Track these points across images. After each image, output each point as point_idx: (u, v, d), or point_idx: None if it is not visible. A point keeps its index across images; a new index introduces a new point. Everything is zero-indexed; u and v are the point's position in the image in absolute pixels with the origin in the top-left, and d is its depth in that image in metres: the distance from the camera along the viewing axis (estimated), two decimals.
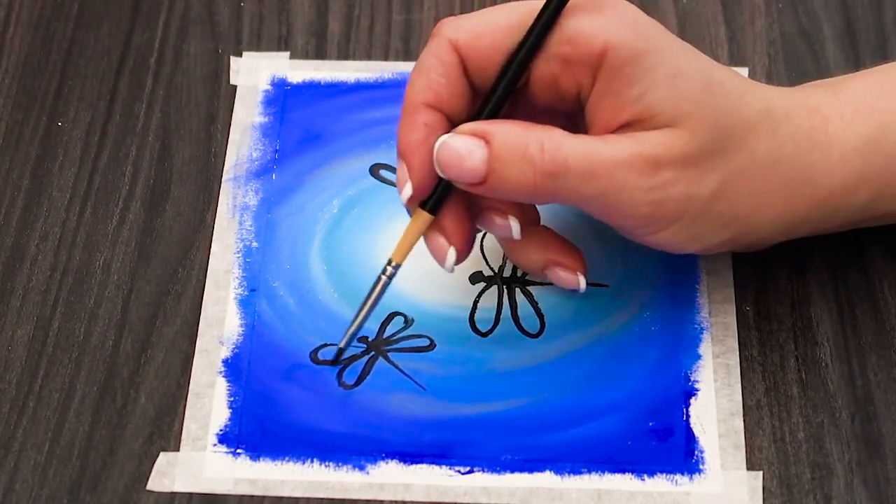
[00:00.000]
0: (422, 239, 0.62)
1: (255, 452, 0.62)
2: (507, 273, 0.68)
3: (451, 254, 0.62)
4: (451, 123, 0.61)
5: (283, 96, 0.74)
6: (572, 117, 0.62)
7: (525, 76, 0.60)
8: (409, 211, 0.62)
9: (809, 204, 0.61)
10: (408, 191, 0.60)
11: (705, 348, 0.65)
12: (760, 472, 0.61)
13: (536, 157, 0.58)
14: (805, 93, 0.63)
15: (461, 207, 0.62)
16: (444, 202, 0.61)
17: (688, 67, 0.59)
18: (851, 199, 0.62)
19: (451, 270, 0.62)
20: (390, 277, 0.62)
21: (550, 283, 0.67)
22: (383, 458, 0.62)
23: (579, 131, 0.60)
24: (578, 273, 0.64)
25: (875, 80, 0.63)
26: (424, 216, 0.61)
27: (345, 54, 0.76)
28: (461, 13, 0.77)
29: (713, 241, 0.62)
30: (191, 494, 0.61)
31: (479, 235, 0.69)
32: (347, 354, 0.65)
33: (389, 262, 0.62)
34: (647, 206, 0.59)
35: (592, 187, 0.58)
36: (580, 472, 0.61)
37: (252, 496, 0.61)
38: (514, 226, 0.62)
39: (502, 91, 0.60)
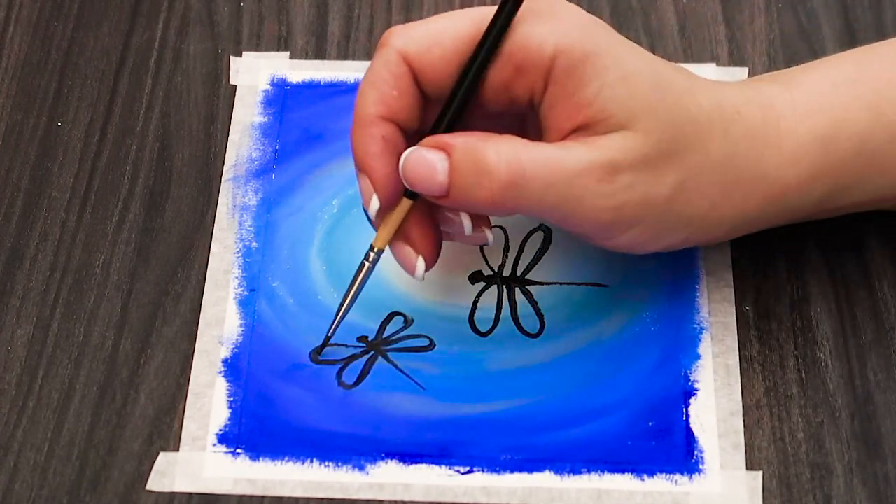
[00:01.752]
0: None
1: (255, 452, 0.62)
2: (506, 273, 0.68)
3: (420, 263, 0.62)
4: (405, 133, 0.61)
5: (282, 96, 0.74)
6: (524, 121, 0.62)
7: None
8: (372, 223, 0.62)
9: (765, 200, 0.61)
10: (375, 204, 0.60)
11: (705, 348, 0.65)
12: (760, 472, 0.61)
13: (494, 167, 0.58)
14: (756, 88, 0.63)
15: (425, 216, 0.62)
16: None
17: (637, 67, 0.59)
18: (806, 194, 0.62)
19: (422, 279, 0.62)
20: (373, 263, 0.63)
21: (551, 283, 0.67)
22: (383, 458, 0.62)
23: (532, 135, 0.60)
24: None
25: (827, 75, 0.63)
26: (405, 202, 0.61)
27: (344, 54, 0.76)
28: None
29: (671, 240, 0.62)
30: (190, 494, 0.61)
31: None
32: (346, 354, 0.65)
33: (371, 249, 0.63)
34: (608, 212, 0.59)
35: (552, 196, 0.58)
36: (580, 472, 0.61)
37: (252, 496, 0.61)
38: (466, 223, 0.62)
39: (459, 101, 0.60)
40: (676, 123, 0.59)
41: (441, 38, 0.60)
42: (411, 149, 0.60)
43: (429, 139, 0.60)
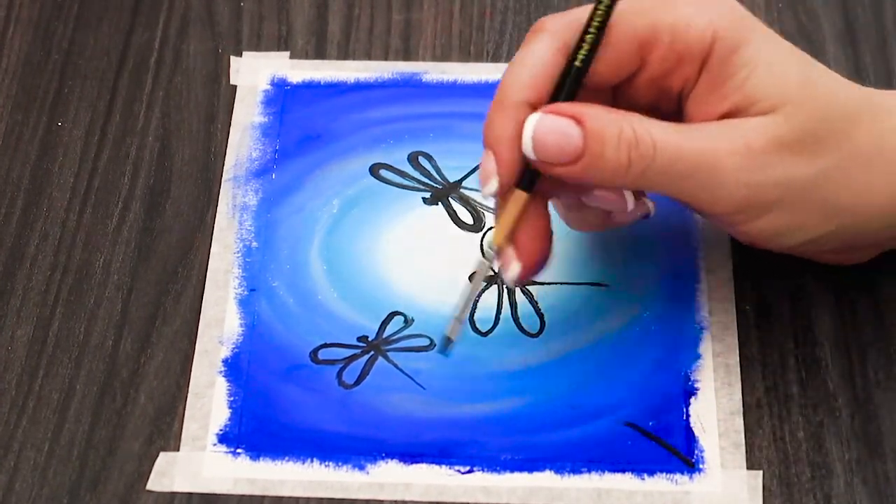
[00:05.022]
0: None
1: (255, 452, 0.62)
2: None
3: (514, 269, 0.60)
4: None
5: (282, 96, 0.74)
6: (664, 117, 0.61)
7: (631, 75, 0.60)
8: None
9: None
10: (493, 184, 0.59)
11: (705, 347, 0.65)
12: (760, 472, 0.61)
13: (630, 136, 0.57)
14: None
15: (539, 226, 0.61)
16: (536, 181, 0.60)
17: (784, 55, 0.59)
18: None
19: (512, 285, 0.61)
20: (491, 261, 0.61)
21: (551, 283, 0.67)
22: (383, 458, 0.62)
23: None
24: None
25: None
26: (520, 196, 0.59)
27: (344, 54, 0.76)
28: (461, 13, 0.77)
29: (816, 232, 0.60)
30: (190, 494, 0.61)
31: (479, 235, 0.69)
32: (346, 354, 0.65)
33: (490, 247, 0.60)
34: (744, 188, 0.58)
35: (682, 168, 0.57)
36: (580, 472, 0.61)
37: (252, 496, 0.61)
38: (630, 198, 0.62)
39: (581, 66, 0.59)
40: (823, 112, 0.59)
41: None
42: (537, 115, 0.58)
43: (555, 106, 0.58)
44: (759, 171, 0.58)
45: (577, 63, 0.59)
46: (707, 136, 0.58)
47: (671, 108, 0.61)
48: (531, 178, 0.59)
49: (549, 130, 0.58)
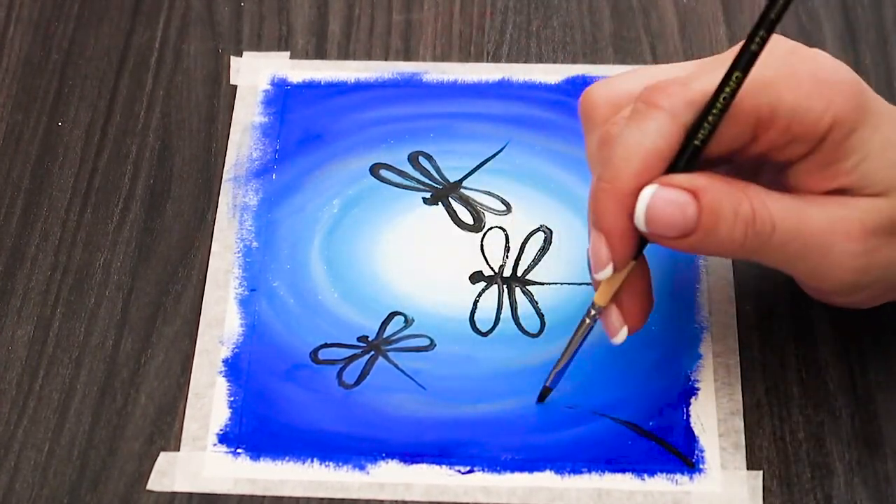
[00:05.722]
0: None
1: (256, 452, 0.62)
2: (507, 273, 0.68)
3: (623, 333, 0.60)
4: None
5: (283, 96, 0.74)
6: (757, 172, 0.60)
7: (739, 146, 0.58)
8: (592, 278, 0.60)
9: None
10: (608, 271, 0.58)
11: (705, 348, 0.65)
12: (760, 472, 0.61)
13: (747, 213, 0.56)
14: None
15: (640, 282, 0.60)
16: (643, 249, 0.59)
17: None
18: None
19: (618, 343, 0.60)
20: (594, 320, 0.60)
21: (552, 283, 0.67)
22: (383, 458, 0.62)
23: (763, 185, 0.58)
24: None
25: None
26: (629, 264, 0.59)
27: (345, 54, 0.76)
28: (461, 14, 0.77)
29: (892, 298, 0.62)
30: (191, 494, 0.61)
31: (479, 235, 0.69)
32: (346, 354, 0.65)
33: (593, 306, 0.60)
34: (853, 273, 0.58)
35: (797, 248, 0.57)
36: (580, 472, 0.61)
37: (252, 496, 0.61)
38: None
39: (700, 145, 0.57)
40: None
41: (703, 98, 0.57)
42: (653, 188, 0.56)
43: (673, 178, 0.57)
44: (869, 254, 0.58)
45: (696, 143, 0.57)
46: (823, 217, 0.57)
47: (767, 169, 0.60)
48: (640, 247, 0.59)
49: (665, 204, 0.57)
